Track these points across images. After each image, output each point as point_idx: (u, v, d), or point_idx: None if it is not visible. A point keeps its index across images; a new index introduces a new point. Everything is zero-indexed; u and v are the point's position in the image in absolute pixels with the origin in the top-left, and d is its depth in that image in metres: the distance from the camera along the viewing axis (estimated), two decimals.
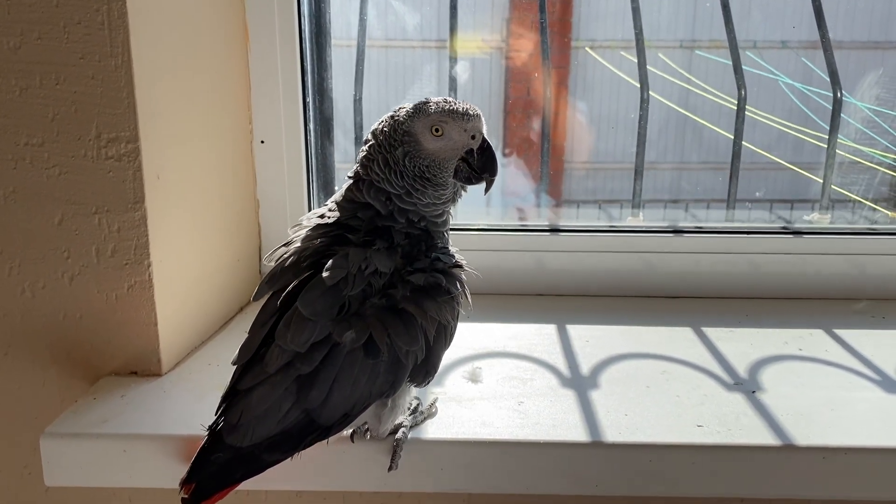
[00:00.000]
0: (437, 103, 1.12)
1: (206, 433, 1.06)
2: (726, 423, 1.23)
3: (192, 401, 1.29)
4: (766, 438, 1.18)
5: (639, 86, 2.08)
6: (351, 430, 1.17)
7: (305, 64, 1.73)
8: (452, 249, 1.17)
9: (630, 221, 2.03)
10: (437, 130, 1.11)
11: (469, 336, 1.57)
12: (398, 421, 1.17)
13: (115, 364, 1.36)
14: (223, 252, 1.61)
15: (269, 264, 1.15)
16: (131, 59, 1.23)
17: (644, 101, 2.05)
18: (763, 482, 1.17)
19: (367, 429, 1.17)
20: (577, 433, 1.19)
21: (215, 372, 1.40)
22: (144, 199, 1.29)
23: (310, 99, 1.76)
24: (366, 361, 1.05)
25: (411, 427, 1.19)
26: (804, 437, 1.18)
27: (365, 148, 1.16)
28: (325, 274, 1.05)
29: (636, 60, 2.06)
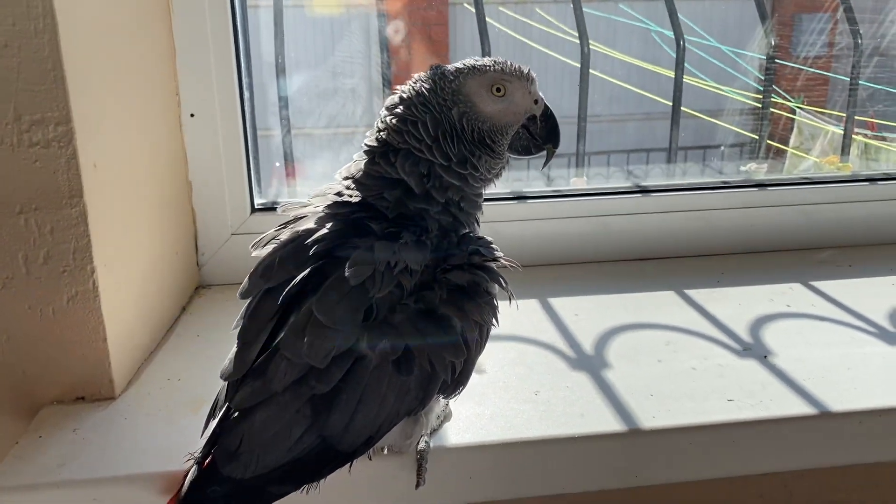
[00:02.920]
0: (492, 61, 0.97)
1: (195, 463, 0.89)
2: (754, 394, 1.16)
3: (162, 426, 1.09)
4: (801, 407, 1.13)
5: (577, 39, 1.98)
6: None
7: (237, 23, 1.51)
8: (486, 238, 1.01)
9: (575, 182, 1.94)
10: (498, 90, 0.97)
11: None
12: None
13: (57, 391, 1.14)
14: (161, 246, 1.39)
15: (256, 252, 0.96)
16: (56, 21, 1.00)
17: (584, 56, 1.95)
18: (803, 452, 1.12)
19: (388, 444, 1.02)
20: (609, 422, 1.10)
21: (177, 388, 1.20)
22: (83, 191, 1.06)
23: (244, 62, 1.55)
24: (395, 377, 0.89)
25: (431, 434, 1.05)
26: (836, 402, 1.14)
27: (389, 116, 0.97)
28: (348, 271, 0.87)
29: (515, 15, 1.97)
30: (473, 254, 0.95)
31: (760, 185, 1.79)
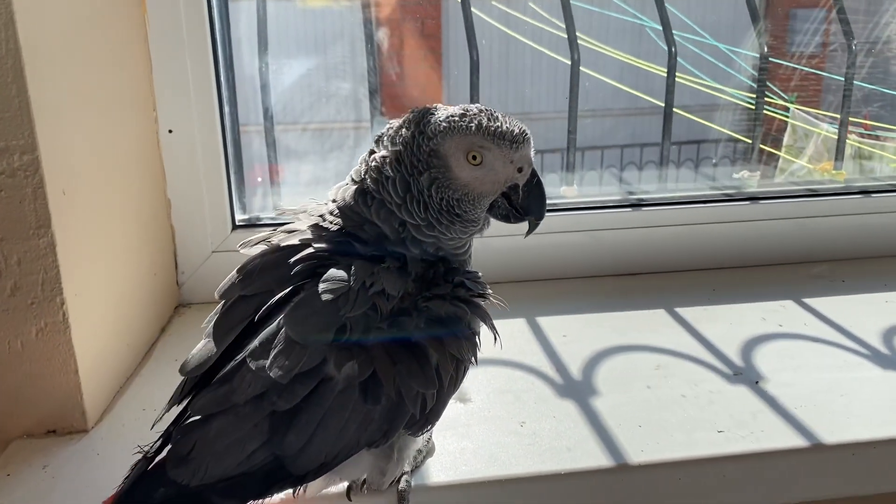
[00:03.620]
0: (476, 117, 0.88)
1: (142, 458, 0.87)
2: (744, 424, 1.13)
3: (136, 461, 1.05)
4: (793, 439, 1.10)
5: (566, 39, 1.94)
6: (347, 485, 0.99)
7: (215, 33, 1.47)
8: (476, 273, 0.97)
9: (565, 192, 1.91)
10: (474, 158, 0.89)
11: None
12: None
13: (27, 424, 1.11)
14: (138, 268, 1.35)
15: (245, 251, 0.95)
16: (19, 45, 0.96)
17: (574, 63, 1.92)
18: (794, 485, 1.09)
19: (364, 482, 0.98)
20: (597, 457, 1.07)
21: (153, 419, 1.16)
22: (51, 221, 1.02)
23: (223, 76, 1.50)
24: (360, 405, 0.86)
25: (412, 471, 1.02)
26: (829, 433, 1.11)
27: (377, 155, 0.92)
28: (321, 286, 0.84)
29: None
30: (458, 286, 0.91)
31: (753, 198, 1.76)
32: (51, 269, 1.04)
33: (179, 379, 1.26)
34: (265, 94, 1.72)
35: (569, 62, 1.91)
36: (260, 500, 0.86)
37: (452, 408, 1.19)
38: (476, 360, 0.94)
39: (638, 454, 1.07)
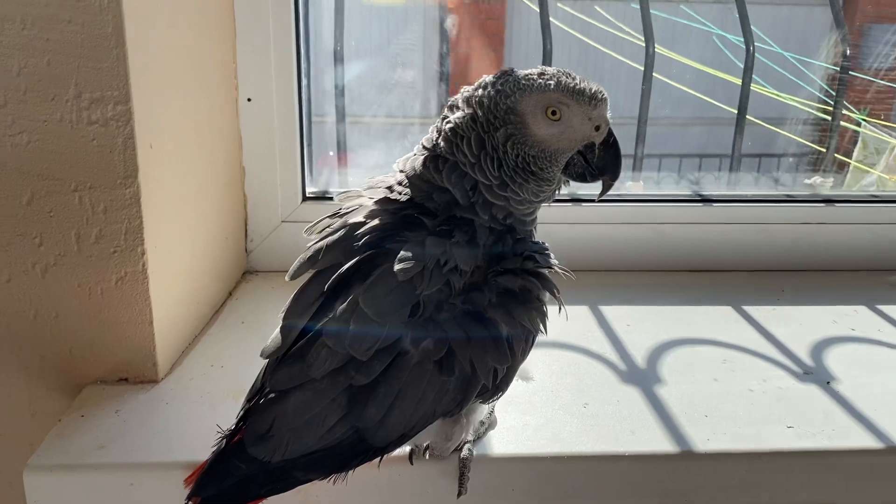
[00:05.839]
0: (555, 76, 0.89)
1: (223, 438, 0.88)
2: (815, 422, 1.10)
3: (204, 413, 1.08)
4: (866, 440, 1.07)
5: (643, 39, 1.92)
6: (409, 449, 0.99)
7: (299, 8, 1.49)
8: (543, 244, 0.96)
9: (632, 188, 1.89)
10: (553, 113, 0.89)
11: None
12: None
13: (101, 371, 1.14)
14: (212, 230, 1.38)
15: (309, 237, 0.95)
16: None
17: (649, 57, 1.90)
18: (867, 486, 1.06)
19: (428, 447, 0.99)
20: (660, 442, 1.05)
21: (221, 375, 1.18)
22: (138, 172, 1.05)
23: (303, 49, 1.52)
24: (435, 376, 0.86)
25: (475, 441, 1.02)
26: None
27: (453, 117, 0.92)
28: (397, 266, 0.84)
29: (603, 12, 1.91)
30: (527, 259, 0.91)
31: (827, 200, 1.72)
32: (134, 219, 1.06)
33: (245, 341, 1.30)
34: (339, 70, 1.74)
35: (636, 65, 1.89)
36: (342, 473, 0.87)
37: (515, 385, 1.18)
38: (546, 330, 0.93)
39: (704, 443, 1.05)
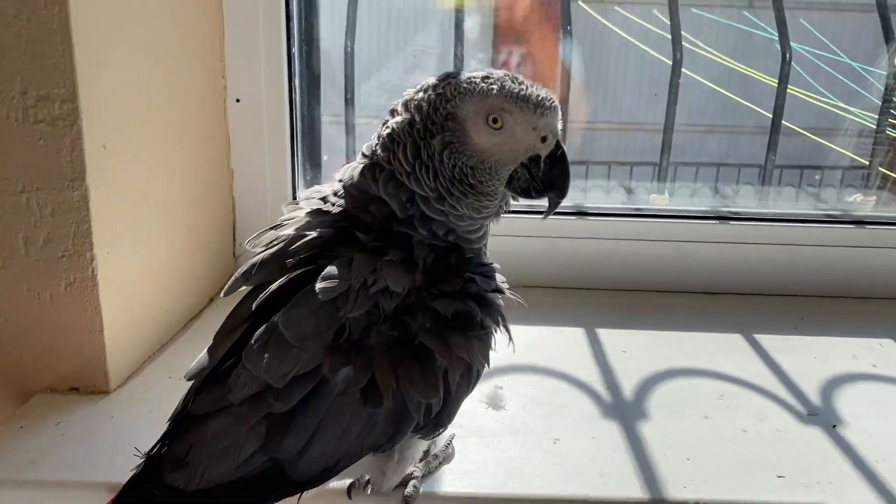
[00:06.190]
0: (499, 80, 0.80)
1: (142, 460, 0.81)
2: (810, 471, 0.99)
3: (147, 428, 1.00)
4: (866, 496, 0.95)
5: (670, 42, 1.81)
6: (348, 483, 0.92)
7: (291, 6, 1.43)
8: (492, 265, 0.88)
9: (655, 201, 1.78)
10: (494, 121, 0.80)
11: None
12: (408, 471, 0.91)
13: (52, 379, 1.10)
14: (189, 234, 1.33)
15: (253, 250, 0.87)
16: None
17: (676, 62, 1.79)
18: None
19: (368, 481, 0.91)
20: (630, 487, 0.95)
21: (176, 388, 1.11)
22: (85, 174, 1.00)
23: (295, 49, 1.47)
24: (361, 409, 0.79)
25: (423, 477, 0.94)
26: None
27: (391, 122, 0.84)
28: (318, 285, 0.77)
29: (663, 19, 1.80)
30: (469, 282, 0.82)
31: (860, 221, 1.58)
32: (83, 222, 1.02)
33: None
34: (349, 68, 1.67)
35: (663, 67, 1.79)
36: None
37: (483, 414, 1.10)
38: (487, 361, 0.85)
39: (679, 490, 0.95)
